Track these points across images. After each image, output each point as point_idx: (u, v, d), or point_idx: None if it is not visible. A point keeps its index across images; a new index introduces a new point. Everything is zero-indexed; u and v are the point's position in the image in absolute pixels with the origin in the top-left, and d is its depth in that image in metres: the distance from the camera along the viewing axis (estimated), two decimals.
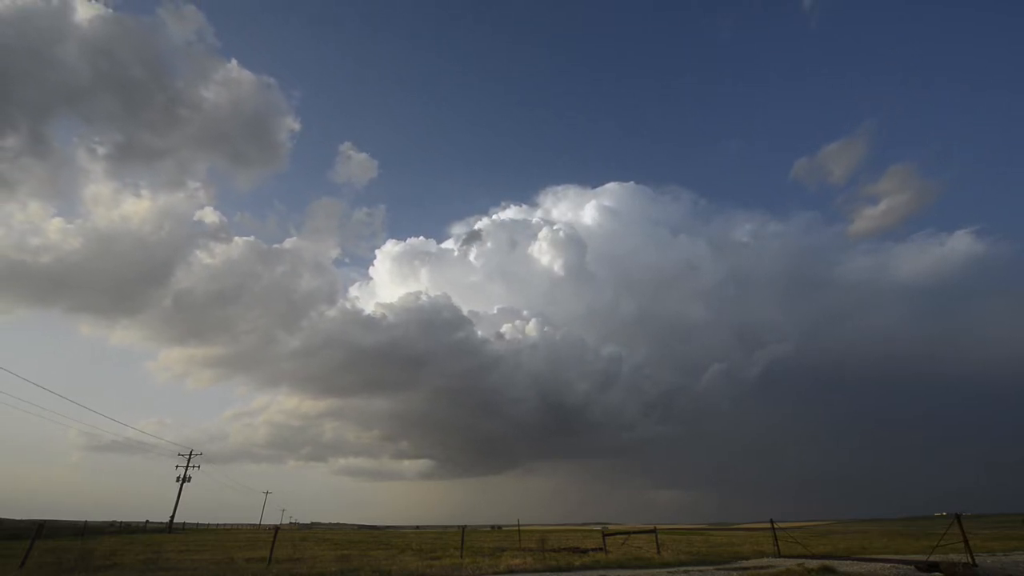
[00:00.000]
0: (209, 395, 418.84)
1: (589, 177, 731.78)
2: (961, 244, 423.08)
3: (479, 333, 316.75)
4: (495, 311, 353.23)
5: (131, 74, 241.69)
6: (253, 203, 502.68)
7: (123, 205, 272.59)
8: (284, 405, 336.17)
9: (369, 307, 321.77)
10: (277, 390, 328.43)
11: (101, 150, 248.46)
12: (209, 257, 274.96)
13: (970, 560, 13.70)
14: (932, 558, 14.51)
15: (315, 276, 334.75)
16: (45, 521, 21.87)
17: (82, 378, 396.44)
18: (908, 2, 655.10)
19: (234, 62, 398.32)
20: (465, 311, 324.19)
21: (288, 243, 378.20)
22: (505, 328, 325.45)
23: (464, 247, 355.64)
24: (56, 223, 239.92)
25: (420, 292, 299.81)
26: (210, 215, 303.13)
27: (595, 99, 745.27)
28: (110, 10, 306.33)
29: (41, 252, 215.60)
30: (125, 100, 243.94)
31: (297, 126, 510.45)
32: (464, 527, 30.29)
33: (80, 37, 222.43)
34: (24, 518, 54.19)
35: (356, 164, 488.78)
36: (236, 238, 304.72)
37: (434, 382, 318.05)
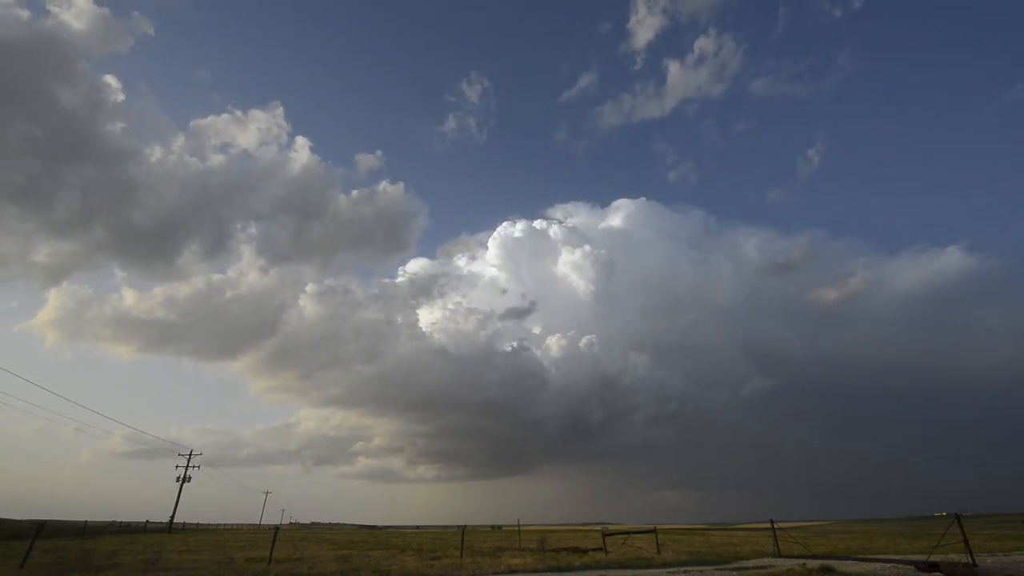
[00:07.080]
0: (267, 410, 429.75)
1: (597, 194, 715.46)
2: (953, 259, 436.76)
3: (535, 352, 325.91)
4: (538, 330, 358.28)
5: (310, 202, 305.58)
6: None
7: (254, 278, 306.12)
8: (328, 419, 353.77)
9: (426, 328, 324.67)
10: (327, 407, 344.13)
11: (264, 250, 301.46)
12: (311, 307, 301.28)
13: (970, 560, 13.70)
14: (932, 558, 14.50)
15: (393, 312, 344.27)
16: (45, 521, 21.87)
17: (141, 397, 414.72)
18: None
19: (385, 182, 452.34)
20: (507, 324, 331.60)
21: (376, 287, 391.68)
22: (542, 345, 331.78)
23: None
24: (201, 289, 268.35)
25: (467, 312, 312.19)
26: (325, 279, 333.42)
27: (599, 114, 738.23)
28: (317, 157, 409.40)
29: (187, 315, 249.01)
30: (297, 220, 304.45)
31: (428, 222, 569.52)
32: (464, 527, 30.22)
33: (285, 178, 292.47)
34: (25, 518, 54.22)
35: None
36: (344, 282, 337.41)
37: (469, 396, 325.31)
